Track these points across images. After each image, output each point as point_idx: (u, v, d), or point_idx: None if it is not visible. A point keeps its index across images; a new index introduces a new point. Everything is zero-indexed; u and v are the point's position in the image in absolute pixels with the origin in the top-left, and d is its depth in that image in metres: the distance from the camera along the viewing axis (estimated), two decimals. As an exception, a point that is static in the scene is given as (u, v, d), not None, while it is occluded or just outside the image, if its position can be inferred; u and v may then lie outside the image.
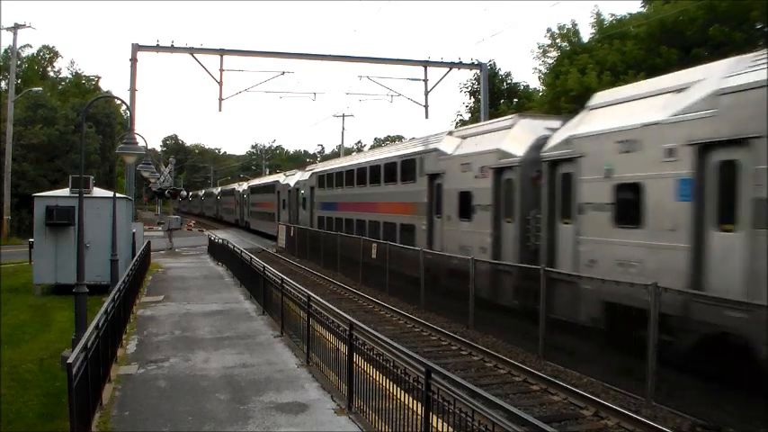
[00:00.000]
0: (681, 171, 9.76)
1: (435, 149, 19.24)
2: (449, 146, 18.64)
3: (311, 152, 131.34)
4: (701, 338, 9.01)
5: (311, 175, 35.06)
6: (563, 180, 13.02)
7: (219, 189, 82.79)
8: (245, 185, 60.11)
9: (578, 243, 12.11)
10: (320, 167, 36.06)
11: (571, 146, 12.56)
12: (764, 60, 8.94)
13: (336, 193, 29.95)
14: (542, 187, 13.49)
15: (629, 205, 10.87)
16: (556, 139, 13.32)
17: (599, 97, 12.96)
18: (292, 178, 40.67)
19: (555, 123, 14.86)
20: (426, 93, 33.28)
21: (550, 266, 12.44)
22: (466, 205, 16.85)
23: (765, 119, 8.36)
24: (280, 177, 46.56)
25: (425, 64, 32.85)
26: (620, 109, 11.70)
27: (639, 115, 10.88)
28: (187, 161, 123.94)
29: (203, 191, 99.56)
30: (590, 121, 12.43)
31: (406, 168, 21.54)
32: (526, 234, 14.32)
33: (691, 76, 10.50)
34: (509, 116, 17.76)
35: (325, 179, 32.00)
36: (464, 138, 18.49)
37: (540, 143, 14.02)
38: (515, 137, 15.26)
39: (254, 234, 50.17)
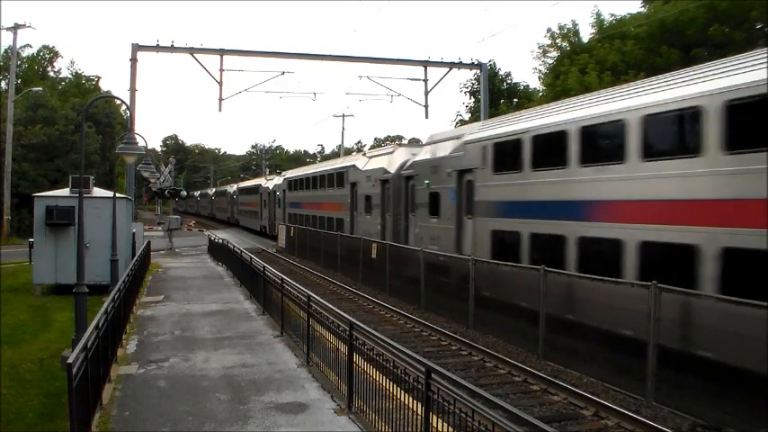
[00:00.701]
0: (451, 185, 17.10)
1: (353, 166, 27.37)
2: (361, 164, 26.56)
3: (311, 152, 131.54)
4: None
5: (283, 180, 42.00)
6: (410, 188, 20.54)
7: (213, 190, 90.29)
8: (234, 187, 67.78)
9: (415, 227, 20.01)
10: (290, 174, 42.88)
11: (413, 168, 20.33)
12: (479, 126, 17.81)
13: (300, 195, 37.45)
14: (401, 192, 21.37)
15: (435, 203, 18.40)
16: (408, 162, 21.17)
17: (429, 137, 20.60)
18: (271, 182, 47.84)
19: (417, 151, 21.52)
20: (426, 93, 33.25)
21: (405, 242, 20.38)
22: (368, 204, 24.88)
23: (480, 159, 15.75)
24: (262, 181, 54.03)
25: (425, 64, 32.82)
26: (435, 146, 19.13)
27: (441, 151, 18.38)
28: (187, 161, 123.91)
29: (199, 192, 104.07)
30: (423, 153, 20.08)
31: (338, 178, 29.55)
32: (396, 222, 21.91)
33: (463, 130, 19.15)
34: (392, 145, 26.34)
35: (293, 183, 39.33)
36: (370, 158, 26.59)
37: (404, 165, 21.64)
38: (393, 160, 23.03)
39: (242, 229, 57.80)
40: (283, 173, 47.25)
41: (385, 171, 23.04)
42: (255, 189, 53.42)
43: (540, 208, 13.31)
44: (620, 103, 11.36)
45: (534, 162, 13.68)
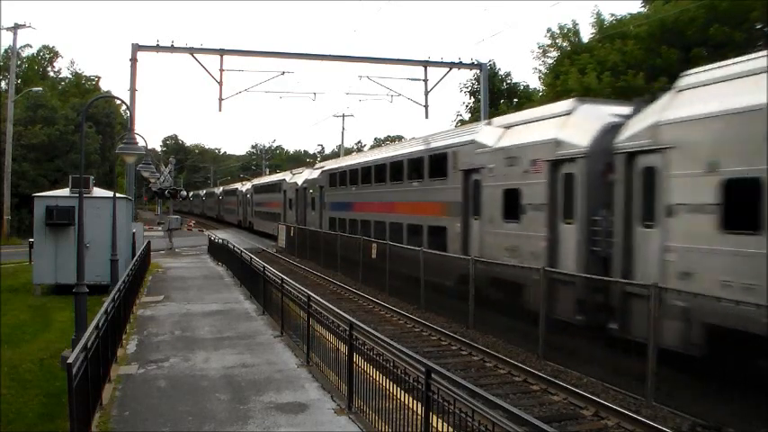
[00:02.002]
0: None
1: (472, 141, 16.88)
2: (489, 137, 16.17)
3: (311, 152, 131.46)
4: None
5: (321, 174, 32.37)
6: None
7: (221, 189, 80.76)
8: (248, 185, 59.48)
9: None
10: (332, 164, 33.44)
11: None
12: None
13: (352, 193, 27.58)
14: (615, 184, 11.58)
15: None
16: (634, 126, 11.40)
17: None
18: (299, 177, 38.25)
19: (624, 110, 12.87)
20: (426, 93, 33.25)
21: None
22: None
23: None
24: (286, 176, 44.08)
25: (425, 64, 32.82)
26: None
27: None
28: (187, 161, 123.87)
29: (204, 191, 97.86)
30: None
31: (435, 164, 19.24)
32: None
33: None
34: (565, 101, 14.87)
35: (337, 177, 29.72)
36: (508, 127, 15.93)
37: (608, 131, 12.16)
38: (577, 124, 13.18)
39: (258, 235, 48.87)
40: (319, 164, 40.70)
41: (561, 145, 13.36)
42: (277, 186, 45.18)
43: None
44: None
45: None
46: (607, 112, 12.95)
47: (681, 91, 10.56)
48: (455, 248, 16.94)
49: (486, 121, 18.86)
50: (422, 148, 20.69)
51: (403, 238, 20.67)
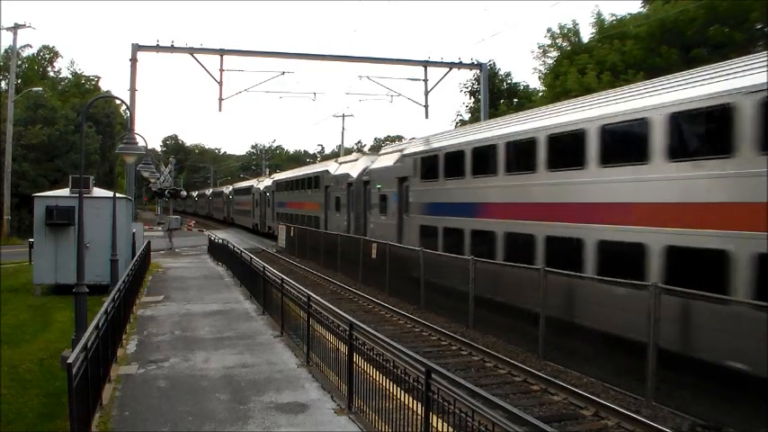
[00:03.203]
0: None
1: (326, 171, 32.17)
2: (333, 169, 31.38)
3: (311, 152, 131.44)
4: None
5: (402, 158, 36.76)
6: (366, 191, 25.15)
7: (211, 191, 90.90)
8: (230, 188, 70.31)
9: (370, 223, 24.70)
10: (277, 176, 47.44)
11: (368, 174, 24.87)
12: (413, 143, 22.20)
13: (285, 194, 41.74)
14: (361, 195, 25.87)
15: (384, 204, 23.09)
16: (368, 169, 25.20)
17: (383, 148, 26.72)
18: (262, 183, 51.38)
19: (373, 158, 26.05)
20: (426, 93, 33.28)
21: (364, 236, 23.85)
22: (338, 204, 29.43)
23: (411, 170, 20.51)
24: (254, 182, 56.87)
25: (425, 64, 32.84)
26: (385, 157, 23.94)
27: (386, 161, 23.44)
28: (187, 161, 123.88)
29: (211, 189, 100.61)
30: (377, 162, 24.47)
31: (314, 181, 34.37)
32: (357, 220, 26.41)
33: (402, 145, 23.74)
34: (356, 154, 32.84)
35: (281, 185, 43.65)
36: (340, 164, 31.25)
37: (364, 171, 25.75)
38: (356, 166, 27.75)
39: (237, 228, 60.18)
40: (272, 175, 52.31)
41: (349, 176, 27.97)
42: (248, 190, 56.67)
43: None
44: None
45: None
46: (370, 161, 26.19)
47: (379, 155, 25.42)
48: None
49: (335, 159, 36.74)
50: (309, 171, 39.47)
51: (303, 222, 36.61)
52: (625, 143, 11.51)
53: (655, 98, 10.71)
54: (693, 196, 9.76)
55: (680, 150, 10.22)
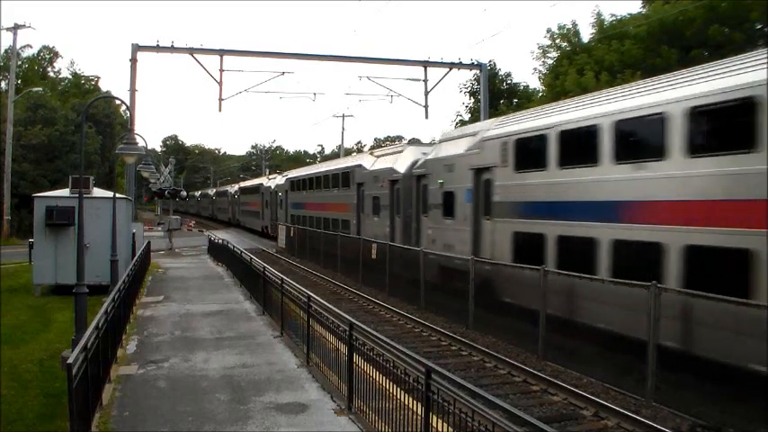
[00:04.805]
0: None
1: (360, 165, 26.39)
2: (368, 163, 25.60)
3: (311, 152, 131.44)
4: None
5: (286, 180, 39.20)
6: (420, 188, 19.78)
7: (214, 190, 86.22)
8: (235, 187, 64.56)
9: (427, 229, 18.99)
10: (292, 174, 41.00)
11: (424, 166, 19.37)
12: (499, 122, 16.20)
13: (302, 194, 36.32)
14: (410, 193, 20.47)
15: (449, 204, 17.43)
16: (421, 161, 20.01)
17: (444, 134, 19.97)
18: (273, 182, 45.71)
19: (428, 149, 20.59)
20: (426, 93, 33.21)
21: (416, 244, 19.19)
22: (376, 206, 23.95)
23: (498, 157, 14.88)
24: (263, 180, 51.12)
25: (425, 64, 32.79)
26: (447, 144, 18.28)
27: (450, 149, 17.66)
28: (187, 161, 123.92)
29: (199, 192, 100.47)
30: (437, 150, 18.93)
31: (343, 179, 28.65)
32: (406, 225, 21.04)
33: (478, 126, 17.95)
34: (402, 144, 25.53)
35: (297, 183, 38.06)
36: (378, 157, 25.49)
37: (415, 163, 20.61)
38: (402, 158, 22.10)
39: (244, 230, 54.71)
40: (285, 172, 45.03)
41: (394, 171, 22.02)
42: (257, 189, 50.96)
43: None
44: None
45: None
46: (420, 151, 21.34)
47: (440, 142, 19.63)
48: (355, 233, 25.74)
49: (369, 151, 29.65)
50: (337, 167, 31.56)
51: (329, 228, 29.59)
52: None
53: None
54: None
55: None
